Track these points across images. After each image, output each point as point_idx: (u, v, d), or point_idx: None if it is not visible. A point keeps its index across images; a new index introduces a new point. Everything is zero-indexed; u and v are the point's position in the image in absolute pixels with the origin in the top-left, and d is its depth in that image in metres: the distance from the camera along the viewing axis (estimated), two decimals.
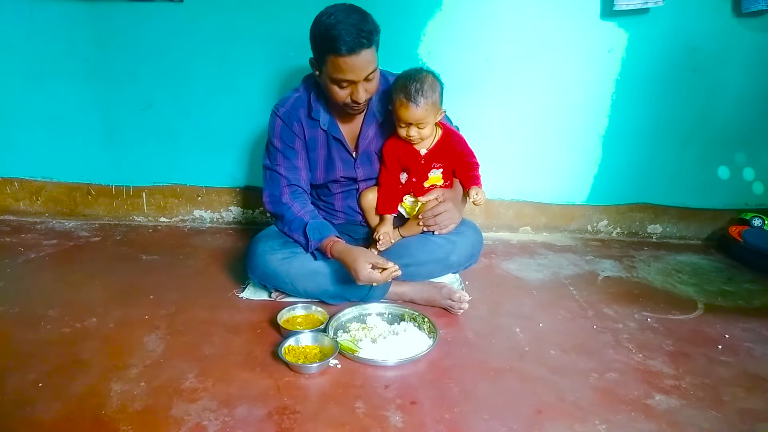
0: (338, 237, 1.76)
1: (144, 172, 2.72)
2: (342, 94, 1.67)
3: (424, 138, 1.78)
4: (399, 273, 1.63)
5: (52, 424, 1.25)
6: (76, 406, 1.31)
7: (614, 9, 2.28)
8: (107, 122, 2.63)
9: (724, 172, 2.60)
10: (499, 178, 2.57)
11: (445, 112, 1.79)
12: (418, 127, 1.73)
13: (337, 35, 1.53)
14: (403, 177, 1.90)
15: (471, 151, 1.89)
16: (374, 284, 1.62)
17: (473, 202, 1.82)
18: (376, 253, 1.90)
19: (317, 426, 1.26)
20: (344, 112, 1.78)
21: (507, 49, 2.43)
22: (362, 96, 1.66)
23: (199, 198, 2.75)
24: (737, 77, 2.45)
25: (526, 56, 2.44)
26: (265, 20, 2.42)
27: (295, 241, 1.82)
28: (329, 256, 1.72)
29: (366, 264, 1.60)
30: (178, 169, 2.71)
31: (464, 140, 1.89)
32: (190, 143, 2.65)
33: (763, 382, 1.50)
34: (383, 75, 1.83)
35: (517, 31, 2.41)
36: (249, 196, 2.73)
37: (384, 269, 1.60)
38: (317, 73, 1.71)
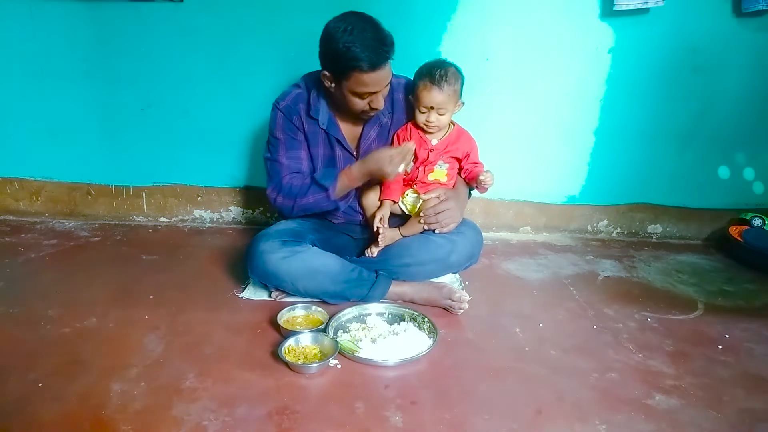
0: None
1: (144, 172, 2.72)
2: (362, 104, 1.71)
3: (442, 127, 1.83)
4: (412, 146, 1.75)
5: (52, 424, 1.25)
6: (76, 406, 1.31)
7: (614, 9, 2.28)
8: (107, 122, 2.63)
9: (724, 171, 2.60)
10: (499, 178, 2.53)
11: (463, 104, 1.83)
12: (438, 113, 1.77)
13: (359, 53, 1.57)
14: (409, 166, 1.90)
15: (477, 152, 1.93)
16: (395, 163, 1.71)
17: (483, 181, 1.83)
18: (376, 251, 1.91)
19: (317, 426, 1.26)
20: (353, 115, 1.80)
21: (507, 49, 2.43)
22: (381, 103, 1.73)
23: (199, 198, 2.75)
24: (737, 77, 2.45)
25: (525, 56, 2.44)
26: (264, 20, 2.42)
27: (311, 206, 1.82)
28: (354, 182, 1.78)
29: (386, 153, 1.69)
30: (178, 169, 2.71)
31: (474, 143, 1.92)
32: (190, 143, 2.65)
33: (764, 382, 1.50)
34: None
35: (517, 31, 2.41)
36: (249, 196, 2.73)
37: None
38: (332, 84, 1.72)
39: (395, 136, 1.90)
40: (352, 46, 1.57)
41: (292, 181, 1.85)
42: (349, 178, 1.78)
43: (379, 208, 1.91)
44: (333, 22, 1.64)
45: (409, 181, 1.93)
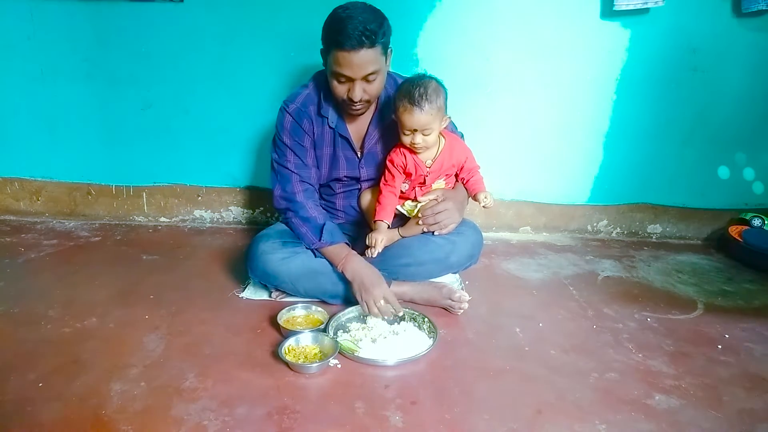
0: (350, 247, 1.79)
1: (144, 172, 2.72)
2: (340, 89, 1.67)
3: (430, 146, 1.75)
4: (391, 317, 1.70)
5: (52, 424, 1.25)
6: (76, 406, 1.31)
7: (614, 9, 2.28)
8: (107, 122, 2.64)
9: (724, 171, 2.60)
10: (499, 178, 2.57)
11: (450, 119, 1.76)
12: (423, 134, 1.69)
13: (342, 29, 1.54)
14: (404, 186, 1.87)
15: (473, 156, 1.88)
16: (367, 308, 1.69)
17: (483, 207, 1.83)
18: (375, 253, 1.90)
19: (317, 426, 1.26)
20: (345, 110, 1.78)
21: (507, 49, 2.43)
22: (358, 95, 1.65)
23: (199, 198, 2.75)
24: (737, 77, 2.45)
25: (526, 56, 2.44)
26: (264, 20, 2.43)
27: (298, 232, 1.81)
28: (338, 266, 1.75)
29: (379, 299, 1.67)
30: (178, 169, 2.71)
31: (468, 149, 1.88)
32: (190, 143, 2.65)
33: (763, 382, 1.50)
34: (393, 78, 1.82)
35: (518, 31, 2.41)
36: (249, 196, 2.73)
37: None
38: (324, 66, 1.71)
39: (388, 159, 1.82)
40: (339, 22, 1.56)
41: (307, 200, 1.82)
42: (340, 260, 1.75)
43: (374, 230, 1.84)
44: (344, 3, 1.63)
45: (406, 197, 1.89)
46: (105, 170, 2.72)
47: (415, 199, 1.88)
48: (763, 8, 2.25)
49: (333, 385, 1.42)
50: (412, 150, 1.76)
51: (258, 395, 1.36)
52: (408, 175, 1.82)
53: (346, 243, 1.81)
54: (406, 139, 1.72)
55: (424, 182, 1.82)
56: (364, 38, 1.55)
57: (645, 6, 2.26)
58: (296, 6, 2.38)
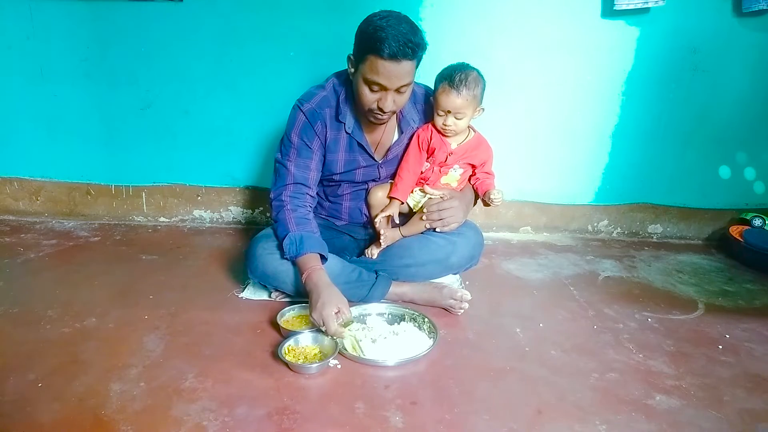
0: (320, 256, 1.69)
1: (143, 172, 2.72)
2: (370, 97, 1.64)
3: (459, 131, 1.80)
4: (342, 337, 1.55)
5: (52, 424, 1.25)
6: (76, 406, 1.30)
7: (615, 9, 2.28)
8: (107, 122, 2.63)
9: (724, 171, 2.60)
10: (500, 178, 2.54)
11: (483, 110, 1.81)
12: (456, 117, 1.75)
13: (384, 37, 1.52)
14: (425, 165, 1.89)
15: (492, 162, 1.93)
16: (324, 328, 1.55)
17: (493, 200, 1.84)
18: (376, 252, 1.90)
19: (317, 426, 1.26)
20: (366, 118, 1.75)
21: (507, 48, 2.43)
22: (389, 105, 1.63)
23: (199, 198, 2.75)
24: (738, 77, 2.45)
25: (526, 56, 2.44)
26: (264, 20, 2.42)
27: (278, 234, 1.76)
28: (301, 278, 1.65)
29: (333, 309, 1.53)
30: (177, 169, 2.71)
31: (492, 152, 1.92)
32: (190, 143, 2.65)
33: (764, 383, 1.50)
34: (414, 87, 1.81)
35: (518, 31, 2.41)
36: (249, 196, 2.73)
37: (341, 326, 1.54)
38: (352, 70, 1.67)
39: (415, 135, 1.86)
40: (380, 30, 1.53)
41: (290, 200, 1.76)
42: (308, 274, 1.63)
43: (386, 205, 1.89)
44: (377, 11, 1.61)
45: (421, 180, 1.90)
46: (104, 170, 2.72)
47: (422, 188, 1.88)
48: (764, 8, 2.25)
49: (333, 386, 1.42)
50: (442, 132, 1.81)
51: (258, 395, 1.36)
52: (431, 152, 1.84)
53: (321, 255, 1.70)
54: (439, 120, 1.78)
55: (446, 161, 1.84)
56: (407, 49, 1.53)
57: (646, 6, 2.26)
58: (296, 6, 2.38)
